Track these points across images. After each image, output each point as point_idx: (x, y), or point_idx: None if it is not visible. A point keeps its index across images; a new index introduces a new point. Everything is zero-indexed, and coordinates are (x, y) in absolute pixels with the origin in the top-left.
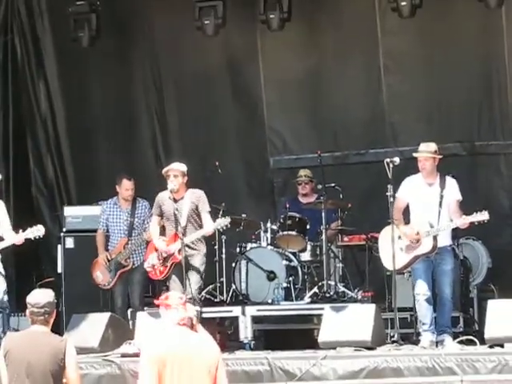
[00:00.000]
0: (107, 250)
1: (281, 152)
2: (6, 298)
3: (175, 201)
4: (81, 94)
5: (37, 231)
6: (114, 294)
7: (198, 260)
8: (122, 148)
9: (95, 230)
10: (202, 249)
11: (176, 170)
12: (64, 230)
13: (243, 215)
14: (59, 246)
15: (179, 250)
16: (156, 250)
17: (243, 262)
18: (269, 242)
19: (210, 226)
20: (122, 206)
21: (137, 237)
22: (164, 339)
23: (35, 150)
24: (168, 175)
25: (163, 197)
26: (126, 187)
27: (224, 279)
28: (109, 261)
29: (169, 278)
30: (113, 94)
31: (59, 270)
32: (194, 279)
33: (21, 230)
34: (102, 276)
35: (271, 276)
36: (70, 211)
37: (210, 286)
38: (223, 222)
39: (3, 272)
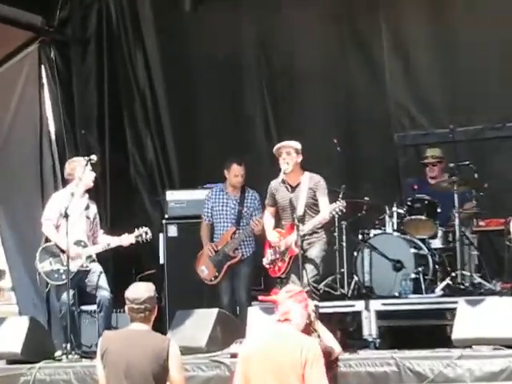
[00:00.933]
0: (212, 241)
1: (406, 127)
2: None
3: (291, 188)
4: (182, 64)
5: (145, 234)
6: (221, 291)
7: (317, 247)
8: (228, 126)
9: (201, 217)
10: (322, 236)
11: (288, 147)
12: (166, 216)
13: (365, 198)
14: (161, 235)
15: (296, 242)
16: (271, 246)
17: (366, 251)
18: (395, 227)
19: (325, 212)
20: (230, 193)
21: (245, 226)
22: (254, 338)
23: (133, 126)
24: (280, 153)
25: (276, 185)
26: (235, 173)
27: (345, 270)
28: (215, 252)
29: (289, 273)
30: (217, 65)
31: (161, 261)
32: (310, 267)
33: (126, 234)
34: (207, 270)
35: (398, 266)
36: (172, 196)
37: (330, 278)
38: (338, 205)
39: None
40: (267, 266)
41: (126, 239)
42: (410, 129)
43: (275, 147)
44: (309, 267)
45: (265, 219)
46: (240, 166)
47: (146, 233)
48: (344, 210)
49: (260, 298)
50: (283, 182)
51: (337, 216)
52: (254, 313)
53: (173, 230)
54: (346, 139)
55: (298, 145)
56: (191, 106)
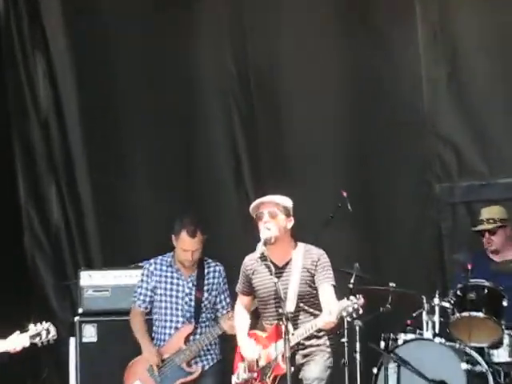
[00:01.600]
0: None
1: (455, 174)
2: None
3: (277, 269)
4: (106, 75)
5: (46, 334)
6: None
7: (319, 365)
8: (178, 171)
9: None
10: (325, 343)
11: (273, 204)
12: (80, 311)
13: (391, 284)
14: (72, 340)
15: (284, 355)
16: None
17: (392, 367)
18: (436, 330)
19: (330, 312)
20: (183, 270)
21: (208, 323)
22: None
23: (28, 169)
24: (259, 215)
25: (252, 263)
26: (184, 246)
27: None
28: (161, 363)
29: None
30: (162, 77)
31: (72, 380)
32: None
33: (17, 332)
34: None
35: None
36: (90, 279)
37: None
38: (352, 304)
39: None
40: None
41: (17, 342)
42: (460, 177)
43: (253, 205)
44: None
45: (236, 315)
46: (193, 239)
47: (48, 331)
48: (361, 311)
49: None
50: (264, 258)
51: (349, 319)
52: None
53: (90, 333)
54: (361, 193)
55: (287, 201)
56: (121, 142)
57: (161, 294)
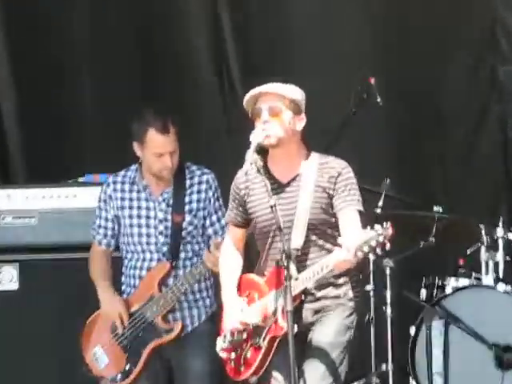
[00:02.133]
0: (119, 292)
1: None
2: None
3: (279, 187)
4: None
5: None
6: None
7: (335, 325)
8: (139, 54)
9: (78, 247)
10: (347, 296)
11: (276, 96)
12: None
13: (436, 209)
14: None
15: (284, 308)
16: None
17: (437, 325)
18: (500, 274)
19: (347, 247)
20: (153, 188)
21: (195, 258)
22: None
23: None
24: (257, 110)
25: (246, 180)
26: (156, 148)
27: (390, 365)
28: (129, 317)
29: (267, 372)
30: None
31: None
32: (319, 369)
33: None
34: (106, 359)
35: (508, 358)
36: (8, 200)
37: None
38: (375, 235)
39: None
40: (222, 356)
41: None
42: None
43: (248, 96)
44: (315, 368)
45: (222, 255)
46: (165, 136)
47: None
48: (388, 245)
49: None
50: (261, 170)
51: (372, 256)
52: None
53: (9, 277)
54: (395, 79)
55: (296, 92)
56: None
57: (125, 225)
